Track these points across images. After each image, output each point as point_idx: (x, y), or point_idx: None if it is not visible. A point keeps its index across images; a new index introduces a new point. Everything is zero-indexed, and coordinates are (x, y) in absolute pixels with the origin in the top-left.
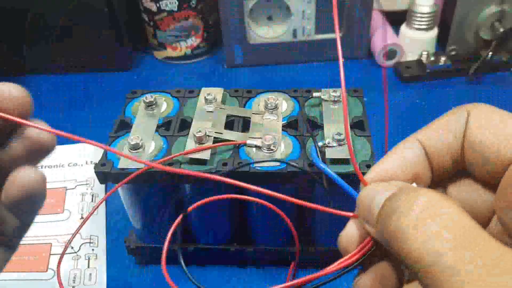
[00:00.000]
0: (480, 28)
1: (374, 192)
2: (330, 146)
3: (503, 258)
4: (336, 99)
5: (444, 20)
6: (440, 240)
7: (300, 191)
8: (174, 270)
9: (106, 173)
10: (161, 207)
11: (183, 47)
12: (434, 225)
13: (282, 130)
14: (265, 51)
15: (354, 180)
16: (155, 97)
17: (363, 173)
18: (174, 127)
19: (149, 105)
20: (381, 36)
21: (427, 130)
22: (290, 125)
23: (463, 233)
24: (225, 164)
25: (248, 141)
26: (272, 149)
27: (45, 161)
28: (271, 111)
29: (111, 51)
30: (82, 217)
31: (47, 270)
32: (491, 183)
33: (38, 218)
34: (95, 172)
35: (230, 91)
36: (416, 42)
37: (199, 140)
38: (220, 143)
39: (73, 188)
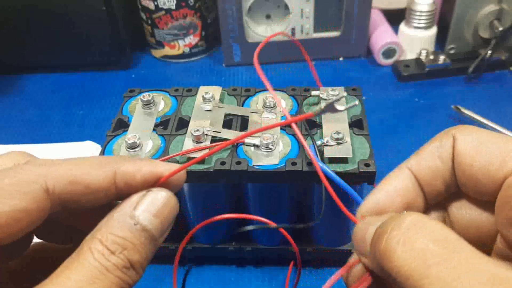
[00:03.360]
0: (479, 26)
1: (366, 225)
2: (328, 145)
3: (488, 268)
4: (334, 97)
5: (443, 19)
6: (428, 253)
7: (298, 190)
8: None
9: None
10: None
11: (181, 45)
12: (421, 240)
13: (281, 128)
14: (264, 50)
15: (353, 179)
16: (152, 95)
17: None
18: (171, 126)
19: (147, 104)
20: (380, 35)
21: (416, 158)
22: (289, 124)
23: (448, 245)
24: (223, 163)
25: (247, 140)
26: (270, 148)
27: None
28: (269, 109)
29: (109, 49)
30: None
31: None
32: (488, 202)
33: None
34: None
35: (228, 89)
36: (415, 41)
37: (197, 139)
38: (218, 143)
39: None
